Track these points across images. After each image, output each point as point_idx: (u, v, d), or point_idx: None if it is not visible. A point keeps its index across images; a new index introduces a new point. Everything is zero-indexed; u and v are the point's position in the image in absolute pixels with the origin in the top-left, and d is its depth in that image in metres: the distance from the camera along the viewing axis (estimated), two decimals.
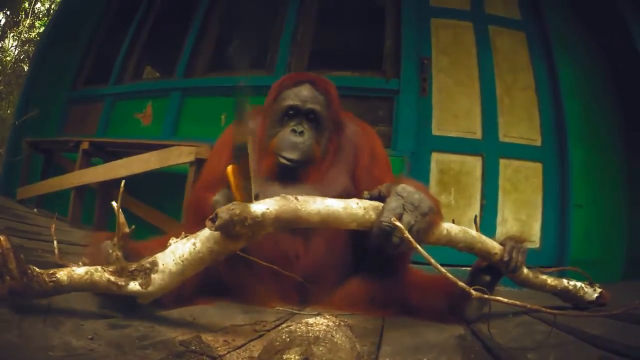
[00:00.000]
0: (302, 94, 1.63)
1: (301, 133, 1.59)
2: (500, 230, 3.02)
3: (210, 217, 1.05)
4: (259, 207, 1.07)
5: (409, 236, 1.14)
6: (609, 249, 3.07)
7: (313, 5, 3.59)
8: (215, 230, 1.04)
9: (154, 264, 1.06)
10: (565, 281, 1.54)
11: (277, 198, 1.12)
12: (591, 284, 1.59)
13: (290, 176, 1.56)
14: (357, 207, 1.20)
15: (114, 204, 1.09)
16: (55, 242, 1.68)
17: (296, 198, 1.14)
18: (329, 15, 3.72)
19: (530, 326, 1.35)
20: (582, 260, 2.82)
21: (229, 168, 1.16)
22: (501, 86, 3.25)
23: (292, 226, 1.15)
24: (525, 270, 1.43)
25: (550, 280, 1.51)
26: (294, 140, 1.57)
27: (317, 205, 1.15)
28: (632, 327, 1.31)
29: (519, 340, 1.20)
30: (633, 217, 3.12)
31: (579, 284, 1.56)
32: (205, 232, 1.08)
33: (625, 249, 3.09)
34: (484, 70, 3.26)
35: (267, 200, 1.11)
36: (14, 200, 3.91)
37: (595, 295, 1.56)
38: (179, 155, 2.92)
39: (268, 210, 1.08)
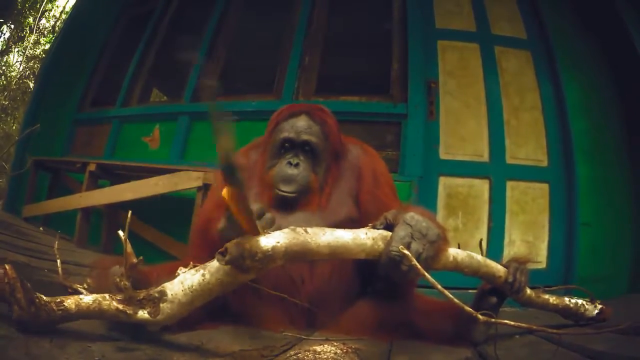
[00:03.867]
0: (297, 126, 1.64)
1: (296, 165, 1.60)
2: (507, 252, 3.01)
3: (220, 251, 1.05)
4: (269, 241, 1.08)
5: (417, 264, 1.14)
6: (615, 264, 3.05)
7: (320, 30, 3.62)
8: (226, 264, 1.05)
9: (163, 293, 1.07)
10: (566, 299, 1.57)
11: (287, 231, 1.12)
12: (592, 301, 1.61)
13: (287, 206, 1.57)
14: (365, 238, 1.20)
15: (121, 233, 1.09)
16: (59, 261, 1.68)
17: (305, 230, 1.14)
18: (336, 40, 3.74)
19: (536, 346, 1.35)
20: (588, 277, 2.85)
21: (224, 192, 1.11)
22: (508, 107, 3.26)
23: (302, 258, 1.15)
24: (528, 291, 1.46)
25: (552, 299, 1.54)
26: (289, 173, 1.59)
27: (327, 237, 1.15)
28: (636, 340, 1.31)
29: None
30: (638, 232, 3.11)
31: (579, 301, 1.58)
32: (215, 264, 1.09)
33: (631, 263, 3.08)
34: (491, 91, 3.27)
35: (277, 233, 1.11)
36: (19, 217, 3.93)
37: (596, 311, 1.59)
38: (187, 180, 2.93)
39: (278, 244, 1.08)
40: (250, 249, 1.04)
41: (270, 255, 1.07)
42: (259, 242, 1.06)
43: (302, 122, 1.65)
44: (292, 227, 1.14)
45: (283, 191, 1.57)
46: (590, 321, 1.58)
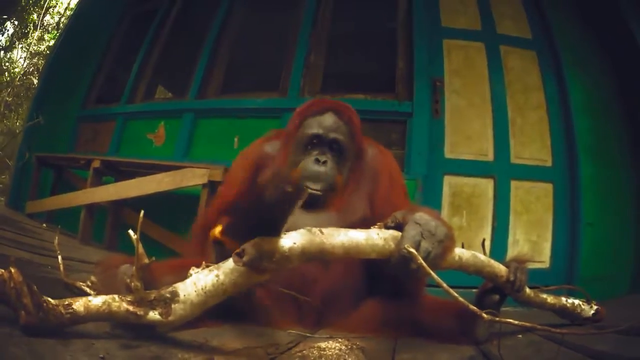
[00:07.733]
0: (325, 123, 1.64)
1: (324, 163, 1.59)
2: (511, 252, 3.00)
3: (237, 252, 1.05)
4: (285, 242, 1.08)
5: (424, 263, 1.15)
6: (618, 264, 3.06)
7: (325, 27, 3.61)
8: (243, 266, 1.05)
9: (174, 294, 1.06)
10: (563, 299, 1.59)
11: (303, 231, 1.12)
12: (588, 301, 1.63)
13: (314, 205, 1.56)
14: (377, 238, 1.21)
15: (132, 233, 1.07)
16: (59, 257, 1.67)
17: (321, 231, 1.14)
18: (342, 38, 3.74)
19: (539, 345, 1.37)
20: (591, 277, 2.85)
21: (217, 231, 1.15)
22: (513, 107, 3.25)
23: (317, 258, 1.16)
24: (528, 290, 1.49)
25: (549, 299, 1.56)
26: (317, 170, 1.58)
27: (341, 237, 1.16)
28: (637, 341, 1.32)
29: (529, 359, 1.22)
30: None
31: (576, 301, 1.61)
32: (229, 264, 1.08)
33: (634, 262, 3.09)
34: (496, 90, 3.26)
35: (293, 233, 1.11)
36: (23, 214, 3.93)
37: (592, 312, 1.61)
38: (192, 177, 2.93)
39: (295, 245, 1.08)
40: (268, 250, 1.04)
41: (287, 257, 1.08)
42: (277, 243, 1.06)
43: (329, 120, 1.65)
44: (307, 227, 1.14)
45: (310, 188, 1.54)
46: (585, 321, 1.60)
